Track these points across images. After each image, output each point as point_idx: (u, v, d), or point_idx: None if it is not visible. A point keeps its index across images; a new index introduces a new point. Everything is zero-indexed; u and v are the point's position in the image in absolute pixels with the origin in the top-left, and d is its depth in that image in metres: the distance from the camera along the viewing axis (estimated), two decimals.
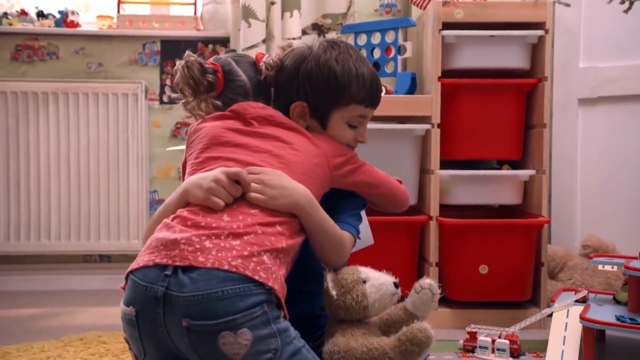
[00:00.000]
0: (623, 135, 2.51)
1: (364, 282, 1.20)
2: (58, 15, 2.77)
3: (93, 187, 2.72)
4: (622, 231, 2.48)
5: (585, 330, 1.72)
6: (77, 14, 2.79)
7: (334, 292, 1.19)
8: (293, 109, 1.26)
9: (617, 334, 2.00)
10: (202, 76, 1.24)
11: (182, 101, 1.26)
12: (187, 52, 1.27)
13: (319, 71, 1.24)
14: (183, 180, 1.19)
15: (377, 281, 1.21)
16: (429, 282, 1.23)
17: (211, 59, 1.31)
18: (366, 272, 1.23)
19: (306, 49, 1.29)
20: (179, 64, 1.25)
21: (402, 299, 1.33)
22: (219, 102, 1.25)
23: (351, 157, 1.25)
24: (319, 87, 1.24)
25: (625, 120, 2.50)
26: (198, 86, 1.24)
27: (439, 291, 1.23)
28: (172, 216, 1.09)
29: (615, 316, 1.72)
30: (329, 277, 1.20)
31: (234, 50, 1.42)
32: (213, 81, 1.25)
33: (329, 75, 1.23)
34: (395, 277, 1.25)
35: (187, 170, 1.20)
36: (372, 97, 1.27)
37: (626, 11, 2.49)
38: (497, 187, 2.27)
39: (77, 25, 2.77)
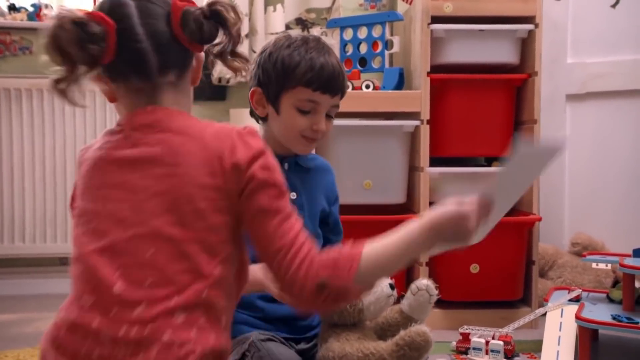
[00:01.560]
0: (611, 132, 2.49)
1: None
2: (31, 9, 2.66)
3: (69, 187, 2.62)
4: (611, 228, 2.46)
5: (582, 331, 1.69)
6: (51, 7, 2.69)
7: None
8: (251, 95, 1.27)
9: (609, 333, 1.97)
10: (81, 48, 0.81)
11: (52, 78, 0.84)
12: (59, 9, 0.87)
13: (271, 56, 1.25)
14: (73, 217, 0.90)
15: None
16: (425, 282, 1.18)
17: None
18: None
19: (270, 42, 1.30)
20: (47, 25, 0.83)
21: (398, 300, 1.28)
22: (106, 86, 0.89)
23: (273, 182, 0.85)
24: (268, 70, 1.24)
25: (613, 116, 2.49)
26: (73, 61, 0.82)
27: (436, 292, 1.18)
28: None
29: (612, 315, 1.69)
30: None
31: None
32: (97, 54, 0.82)
33: (277, 58, 1.24)
34: (391, 279, 1.20)
35: (75, 219, 0.89)
36: (320, 81, 1.21)
37: (613, 6, 2.48)
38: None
39: None
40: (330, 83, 1.22)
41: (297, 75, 1.21)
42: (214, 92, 2.70)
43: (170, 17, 0.87)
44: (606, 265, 1.92)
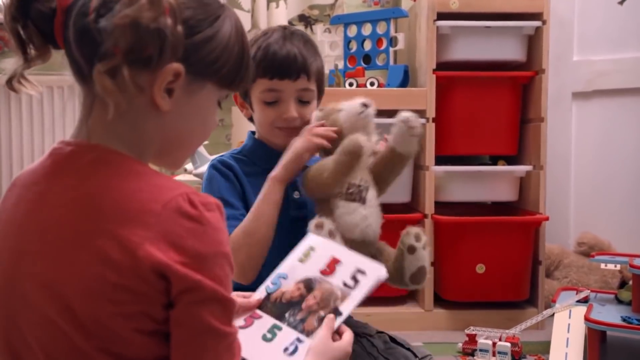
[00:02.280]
0: (618, 130, 2.46)
1: (340, 110, 1.16)
2: None
3: None
4: (617, 228, 2.43)
5: (591, 332, 1.66)
6: None
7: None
8: (235, 99, 1.25)
9: (617, 334, 1.94)
10: (22, 30, 0.67)
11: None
12: None
13: None
14: None
15: (348, 105, 1.15)
16: (405, 115, 1.11)
17: None
18: (345, 103, 1.17)
19: None
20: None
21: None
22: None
23: (199, 283, 0.63)
24: None
25: (619, 114, 2.45)
26: (25, 48, 0.68)
27: (418, 124, 1.10)
28: None
29: (621, 317, 1.67)
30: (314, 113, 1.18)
31: None
32: (39, 44, 0.68)
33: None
34: (370, 100, 1.16)
35: None
36: (274, 67, 1.15)
37: (621, 3, 2.45)
38: (493, 183, 2.20)
39: None
40: (285, 67, 1.15)
41: (255, 67, 1.16)
42: None
43: None
44: (615, 266, 1.89)
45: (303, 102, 1.19)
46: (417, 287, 1.15)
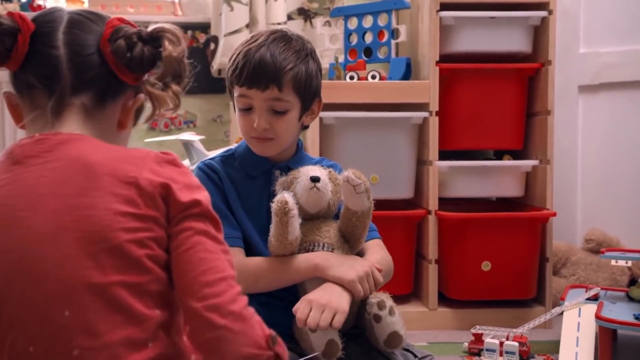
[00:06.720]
0: (625, 124, 2.40)
1: (297, 179, 1.16)
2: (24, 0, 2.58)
3: None
4: (625, 224, 2.37)
5: (602, 331, 1.61)
6: None
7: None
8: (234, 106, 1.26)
9: (628, 333, 1.89)
10: None
11: None
12: None
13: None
14: None
15: (304, 175, 1.14)
16: (346, 175, 1.10)
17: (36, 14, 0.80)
18: (305, 171, 1.15)
19: None
20: None
21: None
22: (12, 102, 0.78)
23: (194, 201, 0.74)
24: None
25: (627, 107, 2.39)
26: None
27: (359, 181, 1.09)
28: None
29: (634, 315, 1.61)
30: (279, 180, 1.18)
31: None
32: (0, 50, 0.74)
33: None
34: (325, 170, 1.16)
35: None
36: (243, 74, 1.13)
37: None
38: (499, 178, 2.14)
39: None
40: (253, 76, 1.13)
41: (230, 75, 1.17)
42: (213, 85, 2.61)
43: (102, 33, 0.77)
44: (626, 262, 1.83)
45: (276, 113, 1.16)
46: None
